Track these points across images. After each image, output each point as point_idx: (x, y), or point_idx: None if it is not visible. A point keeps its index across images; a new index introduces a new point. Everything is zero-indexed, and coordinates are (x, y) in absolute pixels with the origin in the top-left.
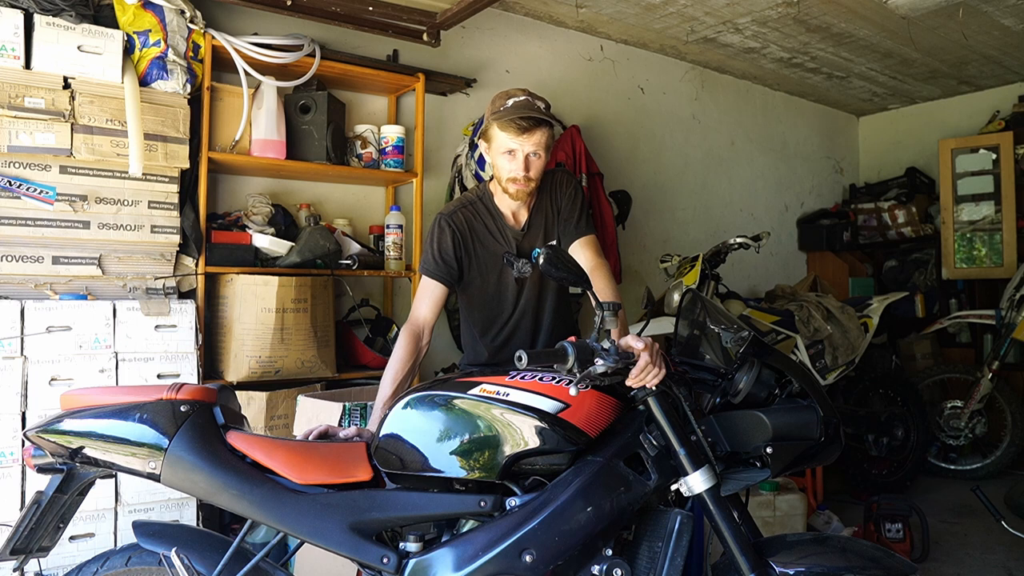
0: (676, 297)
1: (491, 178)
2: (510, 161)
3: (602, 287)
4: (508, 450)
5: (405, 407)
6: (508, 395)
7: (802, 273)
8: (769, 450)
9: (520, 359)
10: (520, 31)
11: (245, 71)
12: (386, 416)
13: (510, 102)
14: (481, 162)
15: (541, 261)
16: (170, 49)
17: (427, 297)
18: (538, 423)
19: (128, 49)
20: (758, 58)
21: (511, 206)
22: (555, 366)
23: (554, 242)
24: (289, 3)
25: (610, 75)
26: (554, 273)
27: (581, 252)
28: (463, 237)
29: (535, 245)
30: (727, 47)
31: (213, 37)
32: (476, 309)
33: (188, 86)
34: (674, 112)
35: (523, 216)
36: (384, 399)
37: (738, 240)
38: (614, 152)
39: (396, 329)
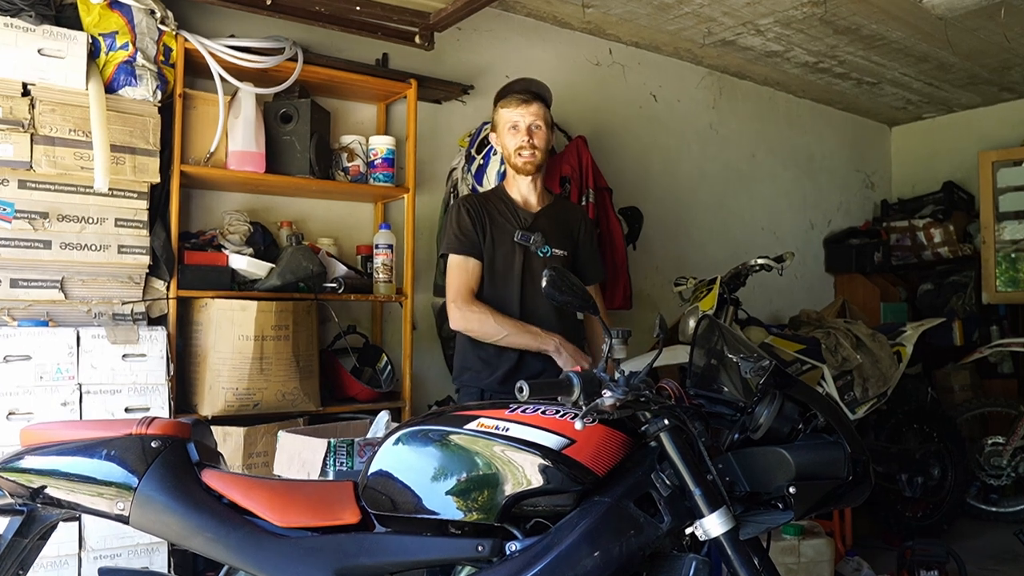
0: (691, 324)
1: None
2: (514, 136)
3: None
4: (508, 490)
5: (396, 443)
6: (508, 430)
7: (829, 297)
8: (792, 490)
9: (521, 391)
10: (521, 33)
11: (221, 76)
12: (375, 452)
13: (510, 86)
14: (479, 175)
15: (544, 284)
16: (139, 53)
17: (461, 272)
18: (541, 460)
19: (93, 53)
20: (781, 62)
21: (522, 190)
22: (559, 398)
23: (561, 251)
24: (269, 2)
25: (620, 81)
26: (558, 297)
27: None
28: (477, 213)
29: (545, 230)
30: (747, 50)
31: (186, 39)
32: (485, 286)
33: (159, 93)
34: (689, 121)
35: (533, 201)
36: (518, 323)
37: (759, 261)
38: (624, 165)
39: (386, 358)
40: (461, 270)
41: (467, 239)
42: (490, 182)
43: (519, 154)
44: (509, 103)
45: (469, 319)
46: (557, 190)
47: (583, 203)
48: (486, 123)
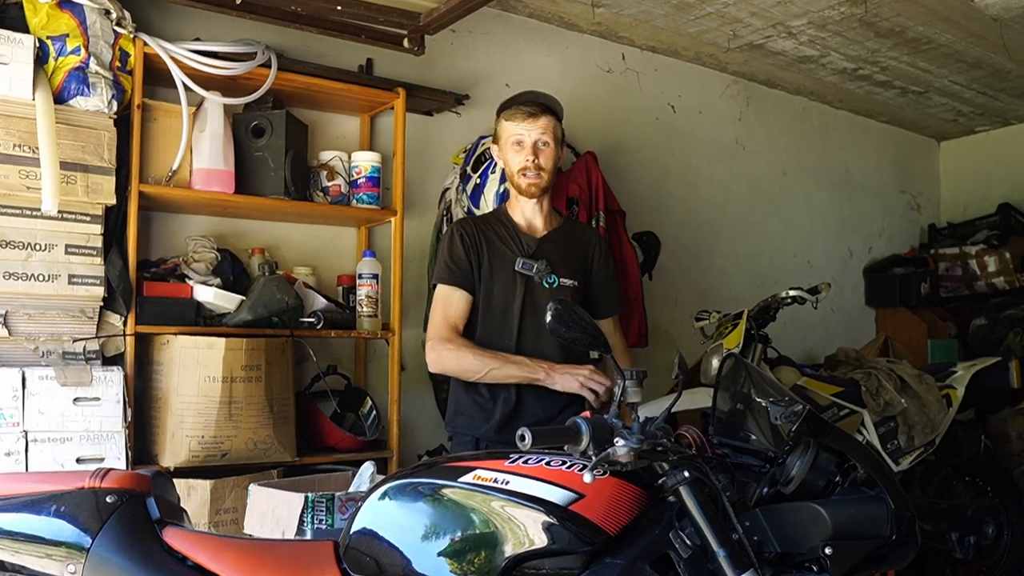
0: (715, 363)
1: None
2: (518, 152)
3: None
4: (509, 550)
5: (382, 498)
6: (508, 483)
7: (870, 334)
8: (828, 551)
9: (523, 439)
10: (523, 36)
11: (184, 85)
12: (358, 508)
13: (515, 97)
14: (475, 196)
15: (549, 318)
16: (92, 58)
17: (443, 305)
18: (545, 518)
19: (41, 58)
20: (816, 69)
21: (526, 213)
22: (566, 447)
23: (570, 281)
24: (238, 2)
25: (634, 90)
26: (564, 333)
27: (604, 326)
28: (472, 239)
29: (552, 257)
30: (778, 55)
31: (145, 43)
32: (478, 325)
33: (115, 103)
34: (713, 135)
35: (539, 225)
36: (500, 355)
37: (791, 293)
38: (639, 185)
39: (370, 403)
40: (443, 303)
41: (458, 269)
42: (488, 204)
43: (523, 174)
44: (514, 116)
45: (444, 358)
46: (564, 213)
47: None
48: (483, 137)
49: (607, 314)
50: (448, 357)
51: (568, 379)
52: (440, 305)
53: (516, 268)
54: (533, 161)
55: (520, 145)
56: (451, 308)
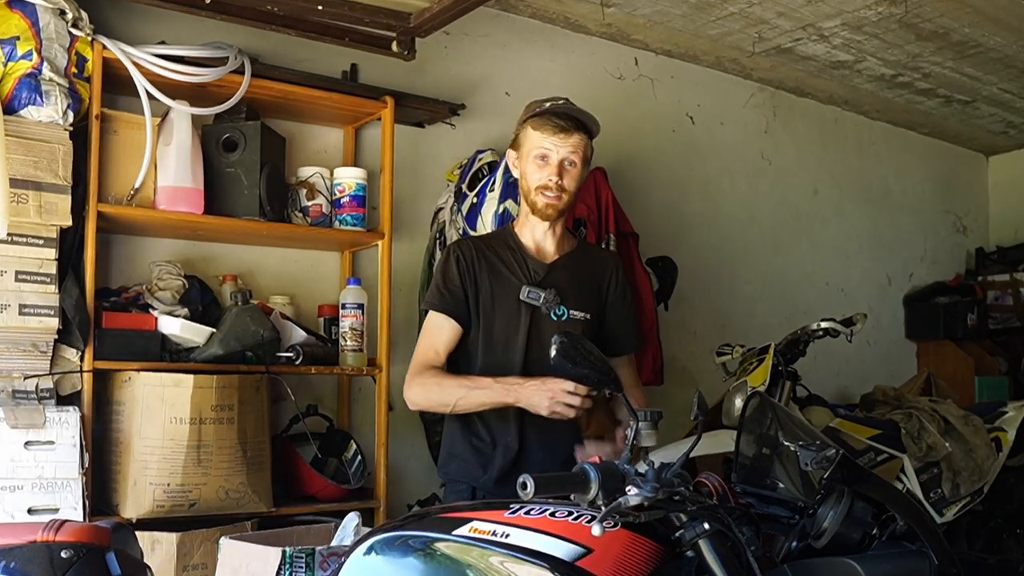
0: (738, 403)
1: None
2: (541, 168)
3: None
4: None
5: (368, 552)
6: (509, 536)
7: (911, 370)
8: None
9: (525, 487)
10: (525, 38)
11: (148, 93)
12: (342, 564)
13: (548, 104)
14: (471, 217)
15: (553, 352)
16: (46, 63)
17: (433, 336)
18: (550, 575)
19: None
20: (851, 75)
21: (536, 235)
22: (572, 496)
23: (581, 314)
24: (207, 0)
25: (648, 99)
26: (570, 369)
27: (618, 365)
28: (470, 264)
29: (562, 285)
30: (808, 60)
31: (104, 47)
32: (479, 359)
33: (71, 114)
34: (736, 149)
35: (550, 249)
36: (468, 381)
37: (823, 325)
38: (653, 204)
39: (355, 447)
40: (429, 333)
41: (451, 296)
42: (485, 225)
43: (542, 193)
44: (543, 126)
45: (414, 393)
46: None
47: None
48: (480, 151)
49: (622, 351)
50: (417, 392)
51: (535, 398)
52: (425, 335)
53: (521, 297)
54: (556, 182)
55: (545, 160)
56: (436, 339)
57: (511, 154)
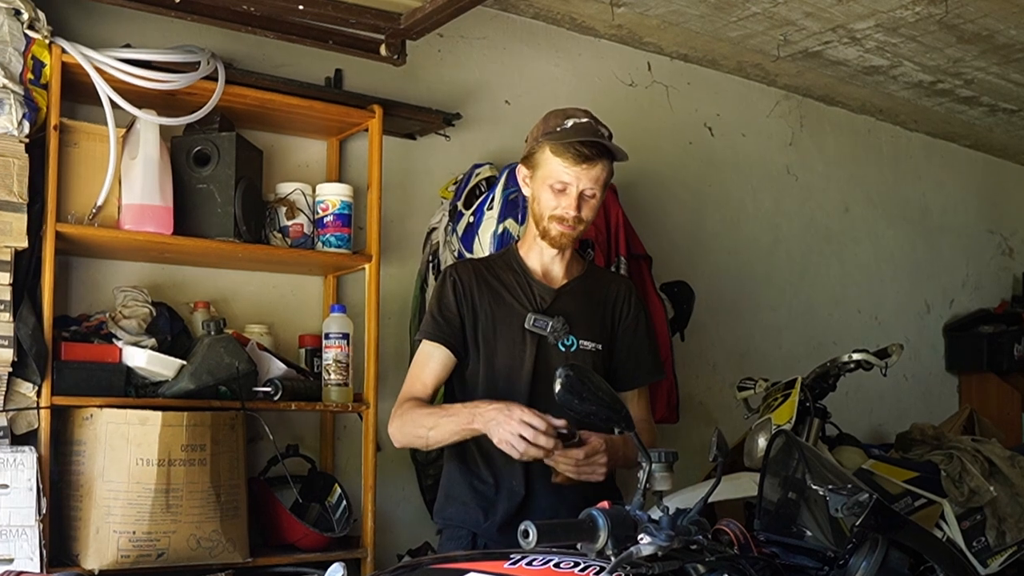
0: (761, 443)
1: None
2: (558, 198)
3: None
4: None
5: None
6: None
7: (952, 406)
8: None
9: (527, 535)
10: (527, 41)
11: (112, 101)
12: None
13: (570, 123)
14: (468, 238)
15: (558, 387)
16: None
17: (422, 366)
18: None
19: None
20: (886, 82)
21: (544, 260)
22: (579, 545)
23: (591, 344)
24: (177, 0)
25: (662, 108)
26: (576, 405)
27: (632, 401)
28: (468, 288)
29: (571, 313)
30: (838, 65)
31: (64, 51)
32: (479, 394)
33: (26, 124)
34: (759, 163)
35: (557, 273)
36: (439, 411)
37: (855, 357)
38: (668, 224)
39: (340, 491)
40: (419, 363)
41: (445, 323)
42: (483, 247)
43: (558, 223)
44: (564, 152)
45: (393, 429)
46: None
47: None
48: (478, 166)
49: (634, 383)
50: (395, 427)
51: (492, 423)
52: (414, 365)
53: (526, 325)
54: (575, 215)
55: (564, 190)
56: (425, 369)
57: (522, 170)
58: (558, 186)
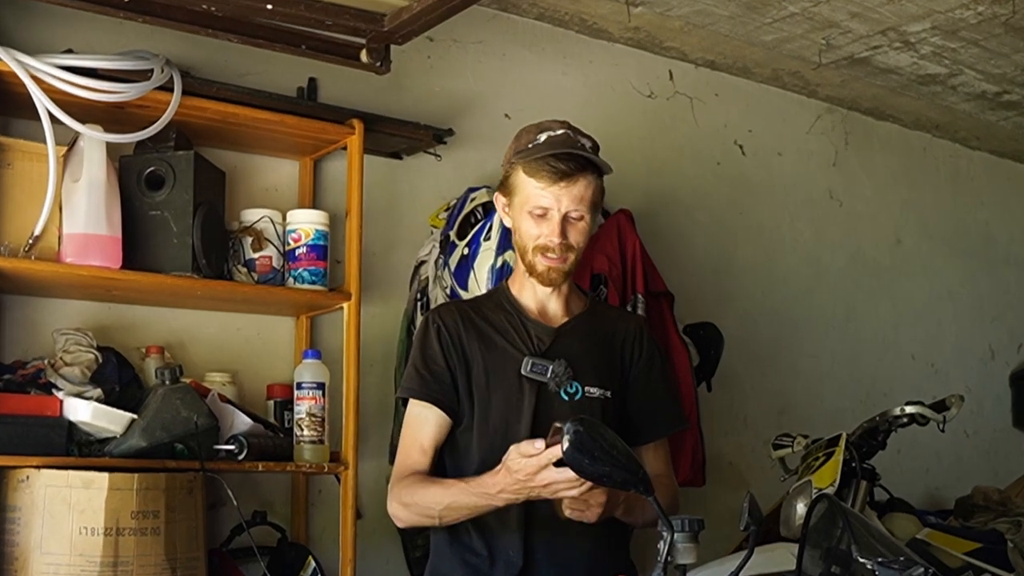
0: (800, 509)
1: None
2: (539, 224)
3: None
4: None
5: None
6: None
7: (1021, 467)
8: None
9: None
10: (530, 46)
11: (51, 115)
12: None
13: (543, 137)
14: (461, 273)
15: (566, 444)
16: None
17: (416, 431)
18: None
19: None
20: (944, 93)
21: (538, 297)
22: None
23: (599, 391)
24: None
25: (686, 122)
26: (587, 467)
27: (649, 454)
28: (455, 336)
29: (574, 355)
30: (889, 73)
31: None
32: (474, 454)
33: None
34: (797, 186)
35: (556, 310)
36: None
37: (909, 410)
38: (692, 257)
39: (314, 564)
40: (410, 428)
41: (432, 378)
42: (479, 284)
43: (543, 255)
44: (539, 172)
45: (395, 509)
46: (589, 291)
47: None
48: (473, 190)
49: (654, 437)
50: (398, 507)
51: (514, 498)
52: (407, 430)
53: (523, 372)
54: (560, 242)
55: (544, 215)
56: (420, 434)
57: (499, 198)
58: (537, 211)
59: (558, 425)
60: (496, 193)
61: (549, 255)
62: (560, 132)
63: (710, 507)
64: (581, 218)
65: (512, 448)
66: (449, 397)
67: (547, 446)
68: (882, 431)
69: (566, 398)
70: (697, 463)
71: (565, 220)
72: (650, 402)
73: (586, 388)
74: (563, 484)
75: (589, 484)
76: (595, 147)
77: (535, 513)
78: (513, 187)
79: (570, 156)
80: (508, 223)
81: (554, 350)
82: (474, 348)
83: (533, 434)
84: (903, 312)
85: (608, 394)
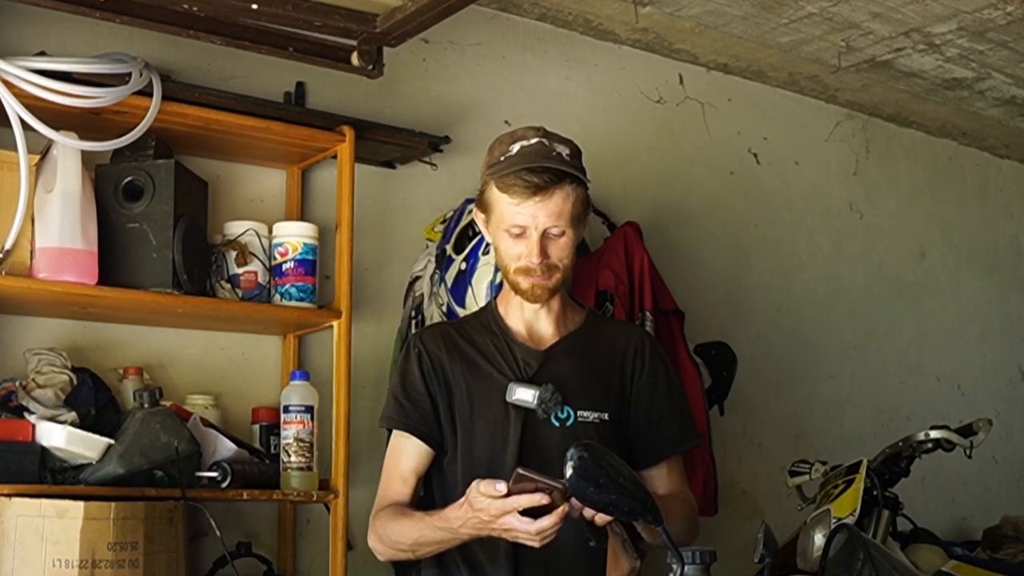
0: (818, 540)
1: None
2: (517, 243)
3: (674, 527)
4: None
5: None
6: None
7: None
8: None
9: None
10: (531, 48)
11: (22, 121)
12: None
13: (515, 148)
14: (459, 289)
15: (570, 471)
16: None
17: (398, 461)
18: None
19: None
20: (971, 98)
21: (526, 317)
22: None
23: (594, 414)
24: None
25: (697, 129)
26: (592, 495)
27: (663, 473)
28: (437, 362)
29: (564, 378)
30: (912, 77)
31: None
32: (459, 485)
33: None
34: (815, 197)
35: (546, 331)
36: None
37: (934, 435)
38: (704, 272)
39: None
40: (392, 458)
41: (412, 407)
42: (477, 300)
43: (523, 275)
44: (512, 187)
45: (373, 541)
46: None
47: None
48: (471, 201)
49: (662, 457)
50: (376, 541)
51: (476, 535)
52: (389, 459)
53: (507, 398)
54: (541, 261)
55: (521, 236)
56: (401, 465)
57: (478, 214)
58: (514, 230)
59: (521, 471)
60: (475, 209)
61: (531, 274)
62: (534, 141)
63: (723, 538)
64: (562, 234)
65: (474, 484)
66: (430, 426)
67: (509, 492)
68: (905, 457)
69: (557, 424)
70: (709, 491)
71: (545, 237)
72: (657, 419)
73: (579, 412)
74: (523, 535)
75: (550, 539)
76: (574, 153)
77: (524, 547)
78: (488, 204)
79: (544, 168)
80: (489, 240)
81: (542, 374)
82: (457, 374)
83: (520, 463)
84: (928, 331)
85: (604, 416)
